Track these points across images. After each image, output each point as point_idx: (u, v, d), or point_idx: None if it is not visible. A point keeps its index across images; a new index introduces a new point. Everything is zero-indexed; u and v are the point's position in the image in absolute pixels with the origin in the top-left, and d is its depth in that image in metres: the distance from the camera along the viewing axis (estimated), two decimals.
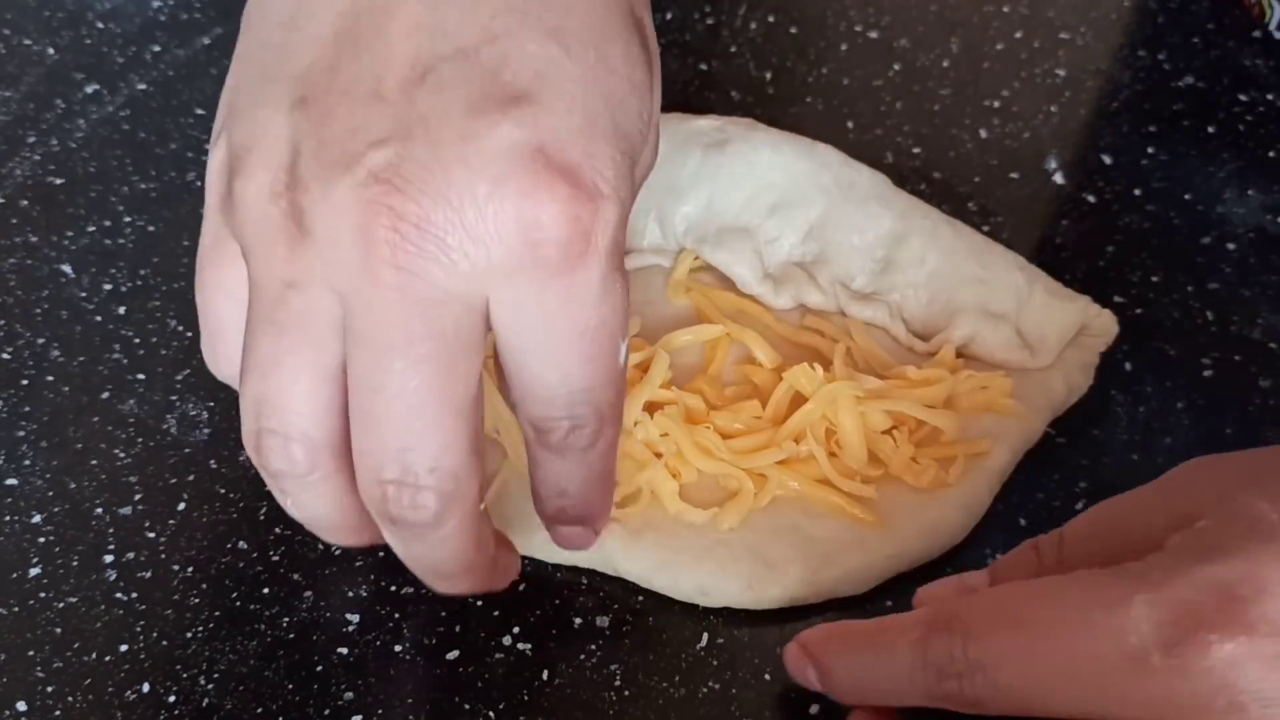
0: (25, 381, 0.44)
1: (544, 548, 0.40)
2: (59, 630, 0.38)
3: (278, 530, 0.41)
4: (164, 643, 0.38)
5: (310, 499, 0.33)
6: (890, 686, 0.33)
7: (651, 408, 0.41)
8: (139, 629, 0.38)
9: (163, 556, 0.40)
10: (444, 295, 0.30)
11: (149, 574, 0.39)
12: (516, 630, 0.39)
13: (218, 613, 0.39)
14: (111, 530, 0.40)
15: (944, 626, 0.32)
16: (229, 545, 0.40)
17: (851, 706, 0.35)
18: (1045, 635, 0.30)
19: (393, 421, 0.31)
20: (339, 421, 0.32)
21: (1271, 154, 0.54)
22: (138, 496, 0.41)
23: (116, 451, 0.43)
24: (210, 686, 0.37)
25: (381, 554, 0.40)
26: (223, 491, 0.42)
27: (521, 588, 0.39)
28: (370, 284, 0.30)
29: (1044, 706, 0.30)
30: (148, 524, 0.41)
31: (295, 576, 0.40)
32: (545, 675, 0.38)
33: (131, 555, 0.40)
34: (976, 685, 0.31)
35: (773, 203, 0.45)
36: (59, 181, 0.51)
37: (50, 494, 0.41)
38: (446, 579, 0.35)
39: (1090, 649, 0.29)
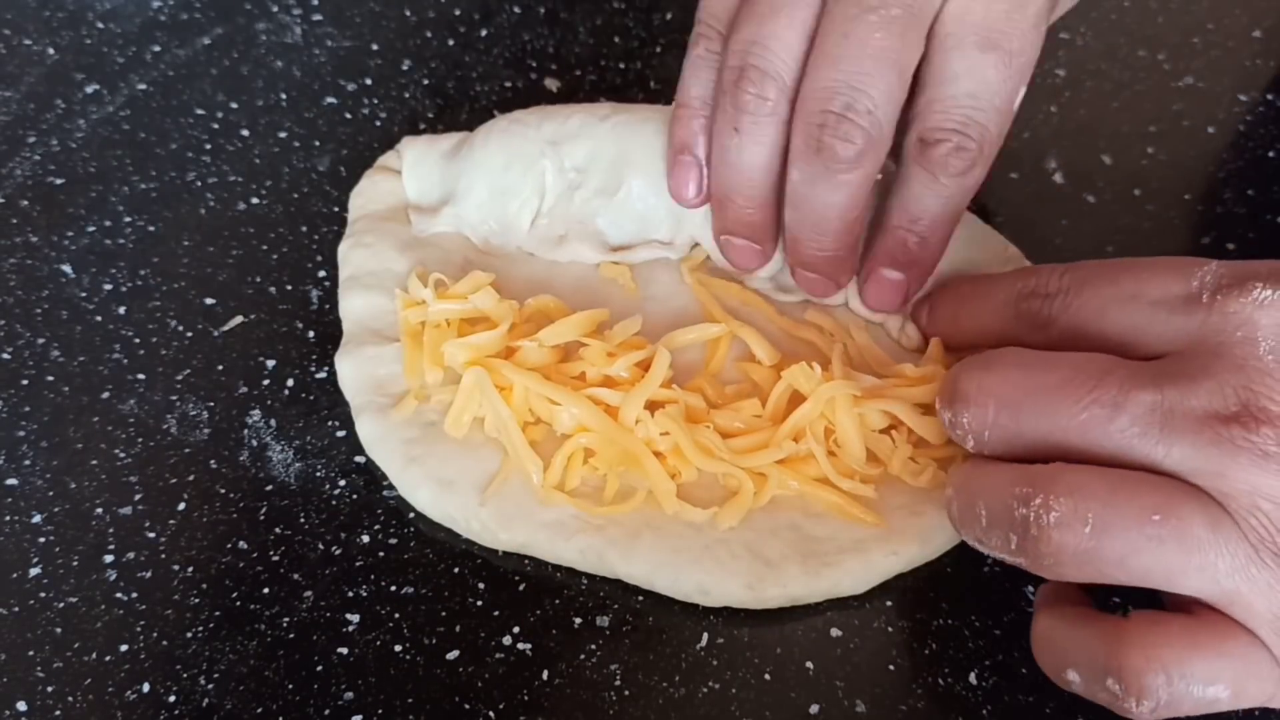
0: (25, 381, 0.44)
1: (544, 547, 0.40)
2: (59, 630, 0.38)
3: (278, 530, 0.41)
4: (164, 643, 0.38)
5: (753, 140, 0.40)
6: (982, 312, 0.40)
7: (652, 406, 0.41)
8: (139, 629, 0.38)
9: (163, 556, 0.40)
10: None
11: (149, 574, 0.39)
12: (516, 630, 0.39)
13: (218, 613, 0.39)
14: (111, 530, 0.40)
15: (1046, 267, 0.38)
16: (229, 545, 0.40)
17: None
18: (1130, 272, 0.36)
19: (852, 63, 0.37)
20: (800, 74, 0.39)
21: (1271, 154, 0.54)
22: (138, 496, 0.41)
23: (116, 451, 0.43)
24: (210, 686, 0.37)
25: (381, 554, 0.40)
26: (223, 491, 0.42)
27: (522, 588, 0.40)
28: None
29: (1097, 330, 0.36)
30: (148, 524, 0.41)
31: (295, 576, 0.40)
32: (545, 675, 0.38)
33: (131, 555, 0.40)
34: (1054, 306, 0.37)
35: None
36: (59, 181, 0.51)
37: (50, 494, 0.41)
38: (820, 236, 0.41)
39: (1162, 289, 0.35)
